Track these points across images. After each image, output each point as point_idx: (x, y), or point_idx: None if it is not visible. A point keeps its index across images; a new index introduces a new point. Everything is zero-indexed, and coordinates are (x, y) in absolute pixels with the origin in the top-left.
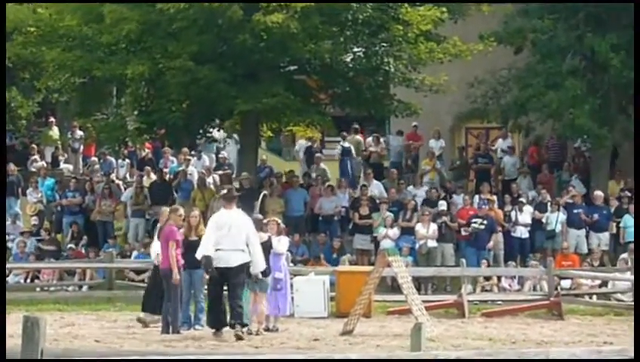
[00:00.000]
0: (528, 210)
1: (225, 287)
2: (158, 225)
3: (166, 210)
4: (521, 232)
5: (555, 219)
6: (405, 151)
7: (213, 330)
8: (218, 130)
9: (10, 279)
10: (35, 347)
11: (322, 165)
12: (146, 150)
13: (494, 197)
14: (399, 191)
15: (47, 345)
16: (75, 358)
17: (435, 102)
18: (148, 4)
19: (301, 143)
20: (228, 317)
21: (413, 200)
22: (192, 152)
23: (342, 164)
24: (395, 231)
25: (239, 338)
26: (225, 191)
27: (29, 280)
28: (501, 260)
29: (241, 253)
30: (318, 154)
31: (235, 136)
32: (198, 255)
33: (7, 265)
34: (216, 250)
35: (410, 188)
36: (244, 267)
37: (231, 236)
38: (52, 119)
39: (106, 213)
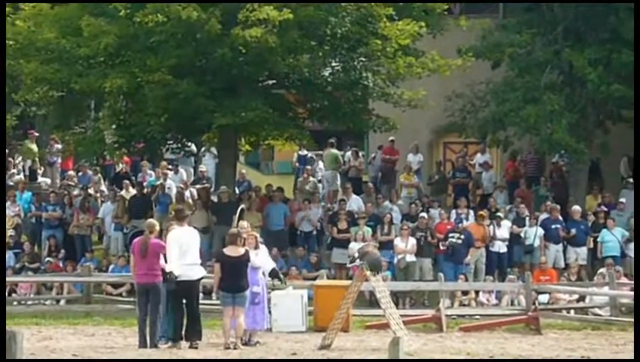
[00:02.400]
0: (506, 224)
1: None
2: (141, 237)
3: (153, 222)
4: (499, 247)
5: (534, 234)
6: (382, 165)
7: (169, 343)
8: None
9: None
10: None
11: (312, 178)
12: (123, 164)
13: (484, 214)
14: (377, 206)
15: (24, 359)
16: None
17: (414, 117)
18: (126, 17)
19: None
20: (184, 332)
21: (389, 214)
22: (170, 166)
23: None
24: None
25: (194, 346)
26: (177, 209)
27: (6, 294)
28: (482, 274)
29: (198, 268)
30: (308, 167)
31: (214, 149)
32: (167, 269)
33: None
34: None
35: (387, 203)
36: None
37: (189, 251)
38: (33, 132)
39: (83, 226)
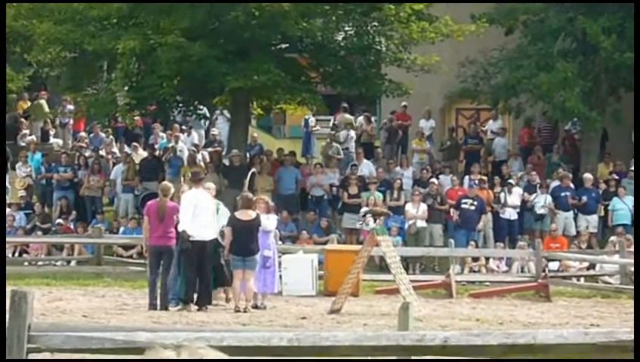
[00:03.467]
0: (517, 191)
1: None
2: (157, 200)
3: (168, 185)
4: (510, 214)
5: (544, 201)
6: (394, 130)
7: (180, 305)
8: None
9: None
10: (22, 321)
11: (335, 143)
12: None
13: (485, 178)
14: (388, 171)
15: (34, 319)
16: (63, 333)
17: (426, 83)
18: None
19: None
20: (196, 296)
21: (399, 180)
22: (182, 128)
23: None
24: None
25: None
26: (193, 172)
27: (17, 255)
28: (491, 241)
29: (212, 230)
30: (332, 132)
31: (226, 113)
32: (180, 229)
33: None
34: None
35: (398, 168)
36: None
37: (203, 213)
38: (44, 93)
39: (94, 188)
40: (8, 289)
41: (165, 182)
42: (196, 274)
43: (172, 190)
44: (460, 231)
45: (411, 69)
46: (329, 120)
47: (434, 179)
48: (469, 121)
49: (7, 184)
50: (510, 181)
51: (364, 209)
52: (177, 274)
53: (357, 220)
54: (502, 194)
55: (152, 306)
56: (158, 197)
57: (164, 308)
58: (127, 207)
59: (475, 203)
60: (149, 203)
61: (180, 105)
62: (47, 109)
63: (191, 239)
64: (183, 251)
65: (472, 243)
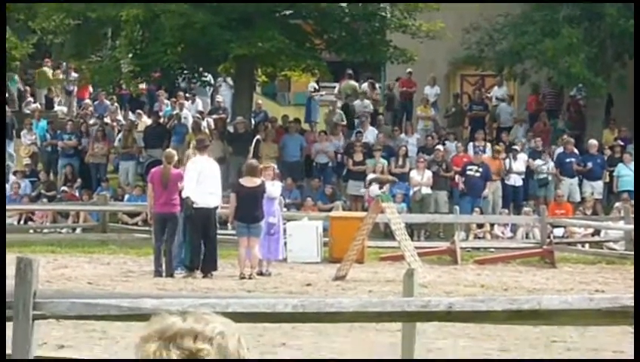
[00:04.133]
0: (522, 158)
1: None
2: (161, 167)
3: (172, 152)
4: (515, 180)
5: (549, 168)
6: (396, 97)
7: (185, 272)
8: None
9: None
10: (28, 288)
11: (338, 110)
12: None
13: (500, 147)
14: (393, 138)
15: (40, 286)
16: (68, 300)
17: (431, 49)
18: None
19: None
20: (201, 262)
21: (404, 147)
22: (187, 95)
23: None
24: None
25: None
26: (199, 139)
27: (22, 222)
28: (498, 208)
29: (216, 197)
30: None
31: (230, 80)
32: (184, 196)
33: None
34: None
35: (402, 135)
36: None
37: (208, 180)
38: (48, 60)
39: (99, 155)
40: (14, 256)
41: (169, 150)
42: (201, 240)
43: (176, 157)
44: (465, 198)
45: (416, 36)
46: (334, 87)
47: (439, 146)
48: (473, 87)
49: (12, 151)
50: (515, 147)
51: (369, 176)
52: (182, 241)
53: (362, 187)
54: (507, 161)
55: (158, 273)
56: (162, 165)
57: (170, 275)
58: (128, 175)
59: (480, 170)
60: (153, 170)
61: (185, 72)
62: (51, 77)
63: (195, 206)
64: (188, 218)
65: (477, 209)
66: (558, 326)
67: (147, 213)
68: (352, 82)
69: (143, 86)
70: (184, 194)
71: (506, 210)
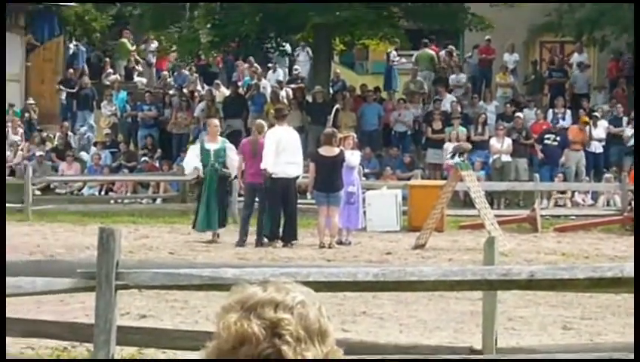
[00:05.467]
0: (603, 124)
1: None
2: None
3: (262, 123)
4: (596, 147)
5: (631, 134)
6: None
7: (266, 240)
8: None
9: (85, 191)
10: (110, 258)
11: (418, 78)
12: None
13: (586, 118)
14: (472, 106)
15: (122, 256)
16: (150, 270)
17: (510, 16)
18: None
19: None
20: (281, 231)
21: (483, 115)
22: (269, 65)
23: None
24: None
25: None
26: (277, 108)
27: (103, 193)
28: (582, 176)
29: (297, 166)
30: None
31: (308, 49)
32: (262, 167)
33: (83, 177)
34: (276, 163)
35: (481, 103)
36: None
37: (287, 149)
38: (127, 31)
39: (181, 125)
40: (96, 226)
41: (259, 120)
42: (280, 210)
43: (266, 128)
44: (545, 166)
45: (494, 3)
46: (412, 55)
47: (519, 114)
48: (552, 54)
49: (92, 122)
50: (596, 114)
51: (451, 146)
52: (263, 211)
53: (442, 155)
54: (587, 127)
55: (242, 242)
56: (252, 135)
57: (259, 244)
58: None
59: (558, 138)
60: (243, 141)
61: (263, 42)
62: (131, 48)
63: (274, 176)
64: (267, 188)
65: (560, 175)
66: None
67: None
68: (429, 50)
69: (219, 56)
70: (262, 166)
71: (587, 177)
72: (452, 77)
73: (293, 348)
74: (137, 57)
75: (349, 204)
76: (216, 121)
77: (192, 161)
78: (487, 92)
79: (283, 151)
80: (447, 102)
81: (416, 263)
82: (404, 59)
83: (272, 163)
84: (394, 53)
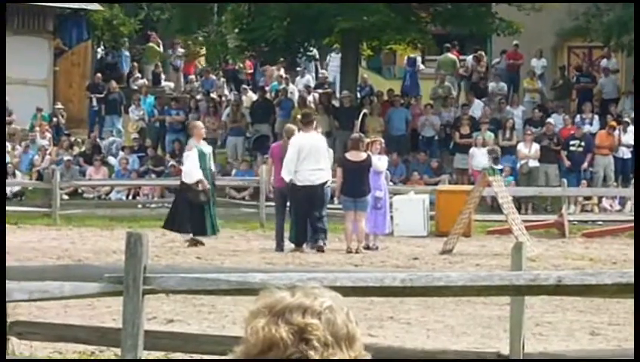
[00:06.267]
0: (631, 130)
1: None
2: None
3: (291, 127)
4: (624, 153)
5: None
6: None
7: (293, 246)
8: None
9: (113, 195)
10: (138, 263)
11: (446, 83)
12: (245, 68)
13: (614, 124)
14: (499, 111)
15: (149, 261)
16: (178, 274)
17: (538, 21)
18: None
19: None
20: (309, 234)
21: (511, 120)
22: (297, 69)
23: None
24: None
25: (320, 249)
26: (304, 113)
27: (130, 197)
28: (611, 182)
29: (322, 172)
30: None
31: (335, 54)
32: (282, 175)
33: (110, 182)
34: (299, 170)
35: (509, 108)
36: (325, 185)
37: (311, 156)
38: (154, 35)
39: (209, 130)
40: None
41: (290, 125)
42: (306, 218)
43: (296, 132)
44: (572, 173)
45: (522, 7)
46: (435, 60)
47: (550, 119)
48: (581, 59)
49: (120, 127)
50: (626, 120)
51: (485, 149)
52: (288, 216)
53: (468, 160)
54: (615, 133)
55: (280, 247)
56: (282, 140)
57: (280, 248)
58: (237, 150)
59: (583, 143)
60: (273, 145)
61: (292, 46)
62: (160, 50)
63: (298, 184)
64: (290, 196)
65: (584, 181)
66: None
67: (255, 188)
68: (450, 55)
69: (247, 61)
70: (281, 174)
71: (615, 183)
72: (491, 84)
73: (321, 353)
74: (165, 62)
75: (376, 208)
76: (201, 124)
77: (196, 171)
78: (515, 97)
79: (305, 159)
80: (477, 107)
81: (443, 268)
82: (422, 66)
83: (291, 171)
84: (419, 58)
